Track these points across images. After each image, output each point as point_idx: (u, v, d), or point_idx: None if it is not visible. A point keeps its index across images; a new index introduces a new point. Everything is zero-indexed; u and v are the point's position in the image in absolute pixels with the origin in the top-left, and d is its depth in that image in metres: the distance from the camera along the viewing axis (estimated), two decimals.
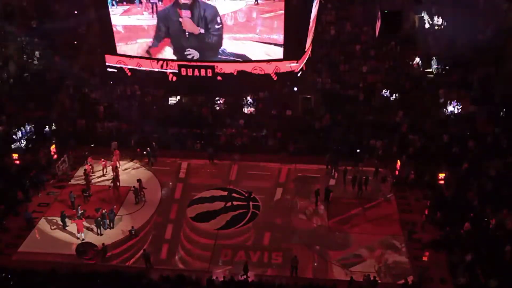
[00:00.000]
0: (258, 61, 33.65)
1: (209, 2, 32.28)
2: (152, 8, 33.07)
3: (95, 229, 27.03)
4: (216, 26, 32.99)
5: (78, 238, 26.64)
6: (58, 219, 27.76)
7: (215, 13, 32.63)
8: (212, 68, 33.64)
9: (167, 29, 33.62)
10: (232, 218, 28.31)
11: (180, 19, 32.98)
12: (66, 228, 27.40)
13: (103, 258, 25.55)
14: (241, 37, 33.21)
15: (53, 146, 32.11)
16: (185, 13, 32.75)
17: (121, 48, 34.66)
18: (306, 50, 34.38)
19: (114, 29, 34.09)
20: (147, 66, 34.80)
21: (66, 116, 35.47)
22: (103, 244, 25.90)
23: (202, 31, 33.17)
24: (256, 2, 31.77)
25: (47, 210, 28.83)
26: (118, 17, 33.76)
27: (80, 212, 27.35)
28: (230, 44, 33.42)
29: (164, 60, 34.33)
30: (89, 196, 29.42)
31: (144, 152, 32.99)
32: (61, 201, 29.38)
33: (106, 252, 25.71)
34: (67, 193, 29.38)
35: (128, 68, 35.06)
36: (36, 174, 30.55)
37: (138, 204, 29.34)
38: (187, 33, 33.41)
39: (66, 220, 27.46)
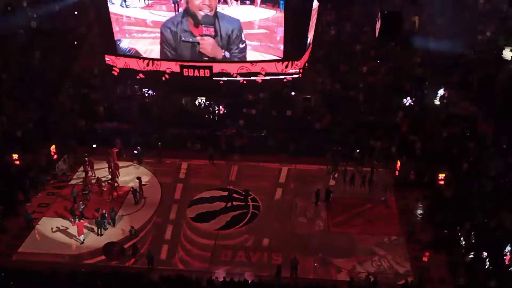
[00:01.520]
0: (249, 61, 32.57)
1: (229, 14, 27.11)
2: (174, 6, 29.93)
3: (95, 229, 27.01)
4: (241, 46, 28.48)
5: (79, 242, 26.58)
6: (58, 219, 27.88)
7: (239, 28, 27.91)
8: (210, 68, 33.48)
9: (174, 51, 29.58)
10: (232, 218, 28.31)
11: (199, 38, 28.13)
12: (75, 220, 27.39)
13: (136, 255, 25.52)
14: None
15: (53, 146, 32.12)
16: (207, 31, 27.83)
17: (130, 42, 33.04)
18: (305, 51, 34.30)
19: (127, 20, 31.48)
20: (134, 66, 33.66)
21: (66, 117, 35.47)
22: (134, 244, 25.98)
23: (227, 54, 28.87)
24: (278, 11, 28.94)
25: (47, 210, 28.81)
26: (139, 10, 31.06)
27: (81, 207, 27.51)
28: None
29: (152, 59, 33.36)
30: (88, 193, 29.37)
31: (135, 152, 32.96)
32: (61, 201, 29.34)
33: (137, 249, 25.68)
34: (67, 194, 29.42)
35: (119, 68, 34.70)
36: (36, 174, 30.55)
37: (138, 204, 29.36)
38: (205, 58, 29.59)
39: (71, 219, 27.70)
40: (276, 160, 33.01)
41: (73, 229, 27.03)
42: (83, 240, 26.49)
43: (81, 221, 26.90)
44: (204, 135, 34.49)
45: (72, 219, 27.61)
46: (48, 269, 23.87)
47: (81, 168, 31.81)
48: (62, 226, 27.57)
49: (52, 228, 27.48)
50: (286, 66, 32.73)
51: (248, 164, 32.95)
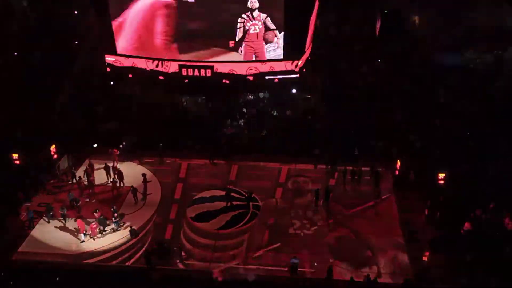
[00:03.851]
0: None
1: None
2: None
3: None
4: None
5: (81, 241, 26.57)
6: (58, 219, 27.85)
7: None
8: (211, 68, 33.57)
9: None
10: (232, 218, 28.33)
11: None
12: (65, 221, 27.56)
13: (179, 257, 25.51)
14: None
15: (53, 146, 32.12)
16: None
17: None
18: (305, 50, 34.37)
19: None
20: (142, 65, 34.64)
21: (66, 117, 35.48)
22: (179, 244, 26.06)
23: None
24: None
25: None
26: None
27: (61, 212, 27.51)
28: None
29: (160, 59, 34.11)
30: (78, 204, 28.92)
31: (121, 146, 33.05)
32: (61, 201, 29.31)
33: (181, 250, 25.71)
34: (66, 194, 29.41)
35: (127, 68, 35.03)
36: (36, 174, 30.53)
37: (137, 204, 29.36)
38: None
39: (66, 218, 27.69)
40: (276, 160, 33.01)
41: (73, 229, 27.06)
42: (83, 239, 26.49)
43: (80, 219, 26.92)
44: (204, 134, 34.51)
45: (47, 218, 27.73)
46: (48, 269, 23.87)
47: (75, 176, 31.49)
48: (62, 225, 27.58)
49: (52, 227, 27.48)
50: (296, 65, 33.28)
51: (248, 164, 32.97)
